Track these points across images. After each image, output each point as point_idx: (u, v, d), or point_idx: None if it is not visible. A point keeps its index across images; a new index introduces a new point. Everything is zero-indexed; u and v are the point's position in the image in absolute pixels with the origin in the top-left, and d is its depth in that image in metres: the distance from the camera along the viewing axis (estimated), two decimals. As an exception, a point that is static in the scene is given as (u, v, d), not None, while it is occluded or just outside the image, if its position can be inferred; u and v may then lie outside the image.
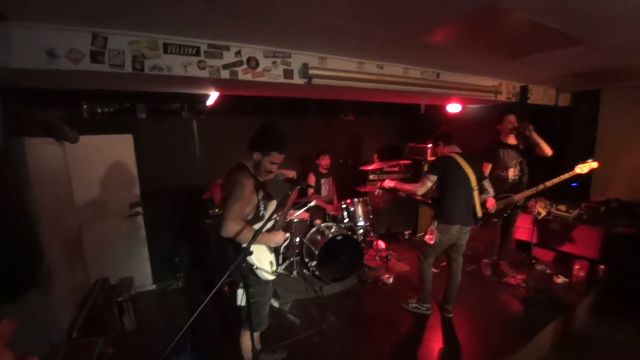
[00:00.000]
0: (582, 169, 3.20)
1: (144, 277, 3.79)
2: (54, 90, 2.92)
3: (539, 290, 3.42)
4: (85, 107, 3.41)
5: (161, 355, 1.26)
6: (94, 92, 3.25)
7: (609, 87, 4.73)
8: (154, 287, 3.87)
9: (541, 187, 3.30)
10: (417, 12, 1.90)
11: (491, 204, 3.14)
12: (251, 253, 1.45)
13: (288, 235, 2.03)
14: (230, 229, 1.67)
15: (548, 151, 3.36)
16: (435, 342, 2.72)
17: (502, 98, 4.15)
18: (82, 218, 3.24)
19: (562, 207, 4.22)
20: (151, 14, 1.77)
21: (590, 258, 3.77)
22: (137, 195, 3.62)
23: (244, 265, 1.42)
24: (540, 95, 4.63)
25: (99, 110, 3.49)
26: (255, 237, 1.46)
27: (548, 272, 3.83)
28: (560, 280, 3.62)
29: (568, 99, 5.12)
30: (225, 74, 2.28)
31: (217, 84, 2.69)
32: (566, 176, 3.25)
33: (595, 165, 3.20)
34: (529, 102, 4.42)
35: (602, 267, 3.67)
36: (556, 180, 3.26)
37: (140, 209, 3.63)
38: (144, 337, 2.91)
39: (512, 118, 3.50)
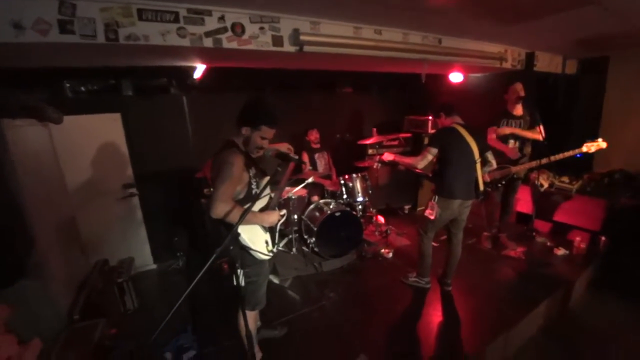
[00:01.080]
0: (590, 147, 3.06)
1: (144, 257, 3.79)
2: (33, 70, 2.76)
3: (538, 263, 3.40)
4: (68, 85, 3.26)
5: (155, 333, 1.21)
6: (76, 70, 3.07)
7: (618, 54, 4.49)
8: (154, 266, 3.89)
9: (544, 160, 3.19)
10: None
11: (510, 152, 3.17)
12: (238, 234, 1.38)
13: (284, 212, 1.96)
14: (220, 210, 1.59)
15: (539, 138, 3.29)
16: (434, 316, 2.73)
17: (507, 65, 3.94)
18: (75, 201, 3.18)
19: (565, 179, 4.13)
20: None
21: (592, 230, 3.74)
22: (130, 176, 3.54)
23: (231, 247, 1.35)
24: (546, 63, 4.40)
25: (83, 89, 3.34)
26: (243, 217, 1.38)
27: (548, 244, 3.81)
28: (561, 252, 3.59)
29: (574, 66, 4.88)
30: (208, 42, 2.10)
31: (201, 53, 2.51)
32: (571, 153, 3.13)
33: (603, 145, 3.05)
34: (535, 69, 4.21)
35: (602, 238, 3.64)
36: (560, 156, 3.15)
37: (134, 190, 3.56)
38: (145, 317, 2.93)
39: (518, 86, 3.33)
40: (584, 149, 3.08)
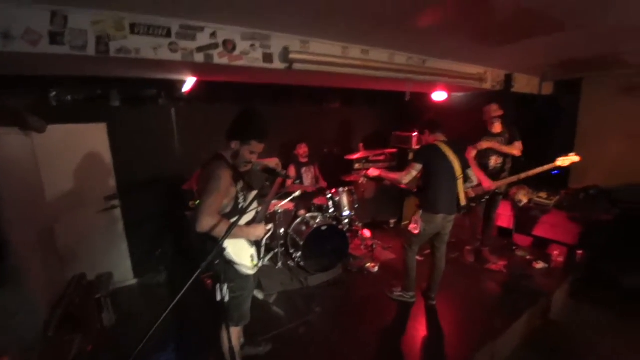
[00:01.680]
0: (563, 161, 3.21)
1: (124, 272, 3.68)
2: (18, 77, 2.71)
3: (519, 276, 3.49)
4: (53, 94, 3.20)
5: (135, 351, 1.17)
6: (62, 78, 3.04)
7: (591, 76, 4.79)
8: (134, 281, 3.77)
9: (522, 175, 3.33)
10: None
11: (487, 183, 3.27)
12: (224, 249, 1.37)
13: (270, 226, 1.97)
14: (205, 223, 1.59)
15: (516, 153, 3.51)
16: (419, 330, 2.74)
17: (487, 86, 4.14)
18: (54, 212, 3.08)
19: (543, 194, 4.30)
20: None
21: (569, 243, 3.88)
22: (113, 187, 3.47)
23: (216, 262, 1.34)
24: (523, 84, 4.65)
25: (69, 98, 3.28)
26: (229, 231, 1.38)
27: (528, 257, 3.92)
28: (540, 265, 3.71)
29: (550, 87, 5.17)
30: (199, 57, 2.13)
31: (192, 68, 2.54)
32: (546, 167, 3.27)
33: (576, 159, 3.21)
34: (513, 90, 4.43)
35: (579, 252, 3.77)
36: (537, 170, 3.28)
37: (116, 202, 3.48)
38: (124, 334, 2.82)
39: (492, 107, 3.50)
40: (558, 162, 3.22)
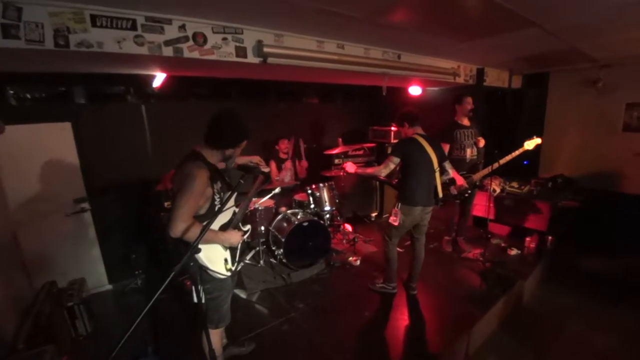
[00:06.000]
0: (529, 144, 3.39)
1: (97, 278, 3.52)
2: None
3: (494, 263, 3.63)
4: (11, 92, 3.00)
5: (109, 356, 1.12)
6: (21, 75, 2.85)
7: (556, 70, 5.02)
8: (109, 287, 3.62)
9: (496, 164, 3.44)
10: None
11: (461, 181, 3.25)
12: (199, 250, 1.33)
13: (248, 227, 1.91)
14: (179, 229, 1.53)
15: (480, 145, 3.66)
16: (401, 320, 2.80)
17: (460, 80, 4.24)
18: (17, 218, 2.90)
19: (515, 184, 4.48)
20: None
21: (540, 230, 4.07)
22: (81, 190, 3.30)
23: (191, 264, 1.30)
24: (494, 78, 4.80)
25: (28, 96, 3.09)
26: (202, 234, 1.32)
27: (502, 245, 4.08)
28: (513, 252, 3.87)
29: (519, 81, 5.37)
30: (168, 51, 2.04)
31: (160, 62, 2.43)
32: (516, 153, 3.41)
33: (538, 140, 3.40)
34: (485, 84, 4.57)
35: (549, 238, 3.97)
36: (508, 157, 3.42)
37: (86, 205, 3.31)
38: (100, 341, 2.71)
39: (470, 99, 3.59)
40: (526, 146, 3.39)
